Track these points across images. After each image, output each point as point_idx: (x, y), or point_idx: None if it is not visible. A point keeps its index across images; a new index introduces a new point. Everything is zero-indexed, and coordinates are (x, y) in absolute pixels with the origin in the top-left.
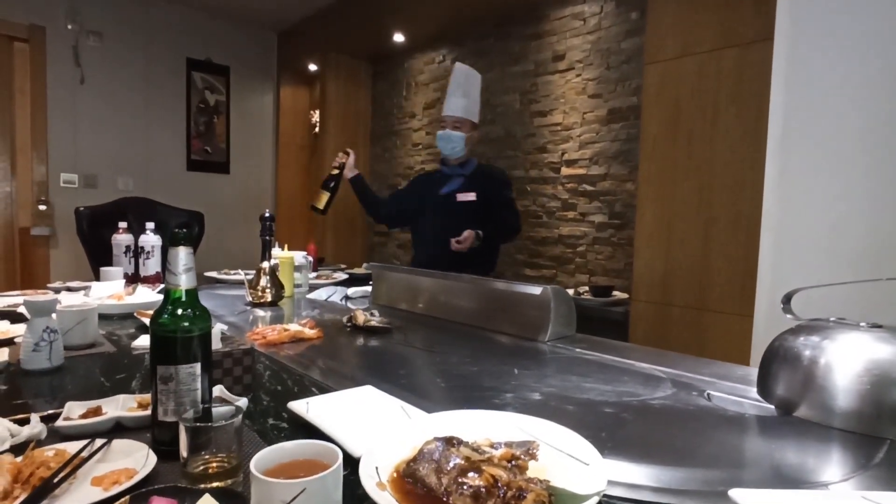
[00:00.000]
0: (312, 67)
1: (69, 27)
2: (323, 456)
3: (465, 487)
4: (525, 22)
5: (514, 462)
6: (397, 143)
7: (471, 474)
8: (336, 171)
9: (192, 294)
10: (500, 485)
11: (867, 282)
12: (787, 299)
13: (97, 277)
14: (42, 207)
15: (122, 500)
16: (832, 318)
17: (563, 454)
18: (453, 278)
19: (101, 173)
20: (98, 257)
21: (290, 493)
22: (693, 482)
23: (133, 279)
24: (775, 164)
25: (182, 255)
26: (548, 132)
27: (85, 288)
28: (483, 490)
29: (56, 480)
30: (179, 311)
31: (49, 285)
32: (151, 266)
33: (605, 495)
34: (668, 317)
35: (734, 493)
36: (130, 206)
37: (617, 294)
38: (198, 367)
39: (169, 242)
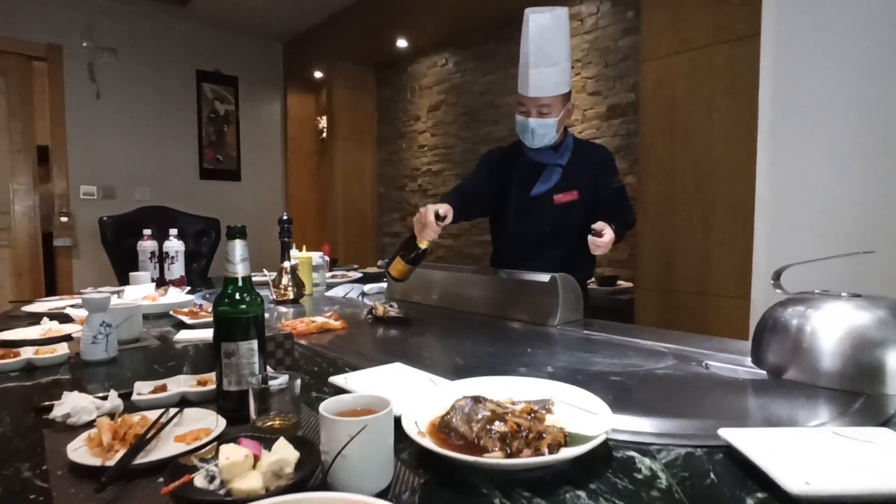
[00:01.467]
0: (318, 75)
1: (84, 45)
2: (376, 405)
3: (493, 432)
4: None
5: (532, 414)
6: (403, 146)
7: (497, 423)
8: (423, 248)
9: (247, 281)
10: (522, 429)
11: (843, 256)
12: (776, 276)
13: (121, 284)
14: (64, 219)
15: (210, 446)
16: (817, 291)
17: (574, 408)
18: (464, 271)
19: (119, 184)
20: (122, 264)
21: (354, 429)
22: (690, 429)
23: (159, 283)
24: (766, 154)
25: (238, 247)
26: None
27: (118, 292)
28: (508, 434)
29: (148, 437)
30: (237, 296)
31: (82, 291)
32: (176, 270)
33: (612, 439)
34: (671, 303)
35: (723, 431)
36: (151, 215)
37: (622, 283)
38: (255, 343)
39: (227, 237)
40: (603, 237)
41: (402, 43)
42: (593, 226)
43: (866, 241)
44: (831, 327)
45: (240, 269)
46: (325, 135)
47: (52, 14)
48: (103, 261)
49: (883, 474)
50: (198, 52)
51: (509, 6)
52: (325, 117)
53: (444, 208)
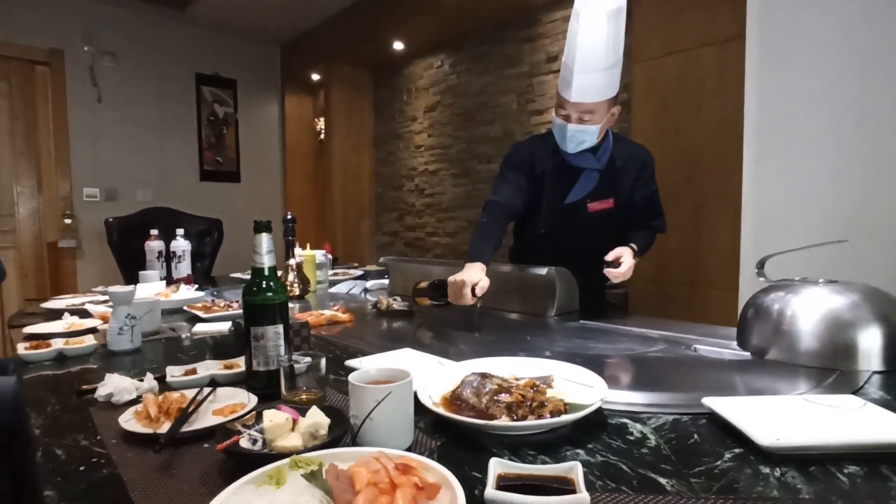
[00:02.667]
0: (315, 77)
1: (85, 49)
2: (397, 377)
3: (500, 402)
4: (519, 26)
5: (535, 388)
6: (400, 147)
7: (503, 394)
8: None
9: (273, 271)
10: (526, 399)
11: (819, 245)
12: (760, 265)
13: (128, 283)
14: (67, 221)
15: (251, 414)
16: (797, 278)
17: (572, 383)
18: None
19: (121, 186)
20: (128, 265)
21: (381, 395)
22: (677, 400)
23: (168, 281)
24: (752, 151)
25: (265, 240)
26: (544, 129)
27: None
28: (514, 403)
29: (190, 410)
30: (264, 284)
31: (95, 289)
32: (183, 269)
33: (607, 409)
34: (664, 295)
35: (706, 400)
36: (155, 216)
37: None
38: (280, 327)
39: (253, 231)
40: (620, 268)
41: (398, 45)
42: (607, 257)
43: (844, 232)
44: (809, 310)
45: (266, 260)
46: (322, 136)
47: (53, 19)
48: (106, 261)
49: (843, 431)
50: (197, 56)
51: (503, 9)
52: (322, 119)
53: (481, 286)
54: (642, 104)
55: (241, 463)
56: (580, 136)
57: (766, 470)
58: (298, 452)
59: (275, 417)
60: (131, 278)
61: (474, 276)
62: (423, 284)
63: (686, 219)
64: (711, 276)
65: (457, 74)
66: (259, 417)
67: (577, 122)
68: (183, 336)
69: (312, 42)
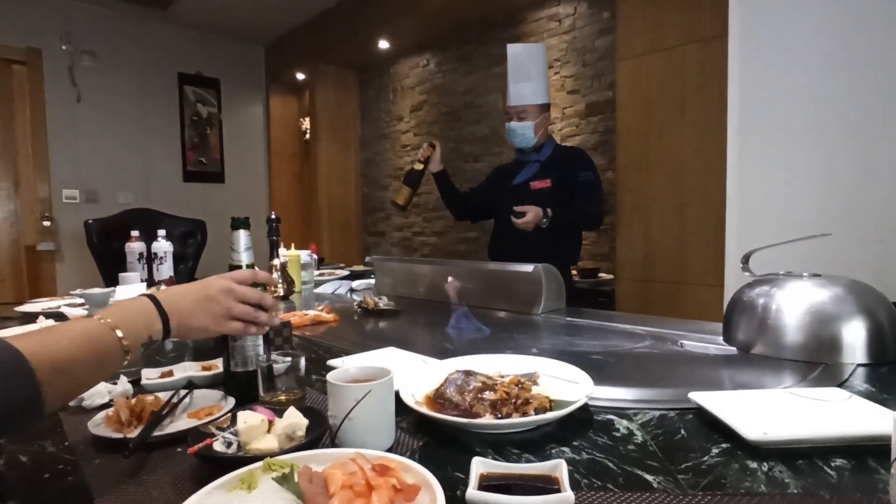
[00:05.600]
0: (300, 77)
1: (64, 48)
2: (377, 375)
3: (484, 400)
4: (505, 25)
5: (520, 385)
6: (386, 146)
7: (487, 392)
8: (420, 167)
9: (251, 268)
10: (511, 396)
11: (802, 239)
12: (745, 259)
13: (108, 286)
14: (46, 223)
15: (226, 416)
16: (781, 272)
17: (558, 379)
18: (450, 264)
19: (102, 188)
20: (108, 267)
21: (360, 393)
22: (664, 396)
23: (148, 283)
24: (735, 148)
25: (243, 236)
26: None
27: (109, 292)
28: (498, 401)
29: (163, 413)
30: None
31: (73, 292)
32: (165, 270)
33: (593, 406)
34: (650, 292)
35: (693, 395)
36: (136, 218)
37: (603, 275)
38: None
39: (231, 227)
40: (526, 216)
41: (383, 44)
42: (517, 208)
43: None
44: (794, 304)
45: (244, 258)
46: (308, 136)
47: (30, 17)
48: (86, 264)
49: (830, 424)
50: (179, 55)
51: (488, 9)
52: (308, 119)
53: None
54: (627, 102)
55: (214, 467)
56: (520, 131)
57: (754, 465)
58: (273, 455)
59: (249, 419)
60: (112, 281)
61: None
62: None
63: (670, 216)
64: (696, 272)
65: (443, 74)
66: (234, 419)
67: (517, 120)
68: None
69: (297, 41)
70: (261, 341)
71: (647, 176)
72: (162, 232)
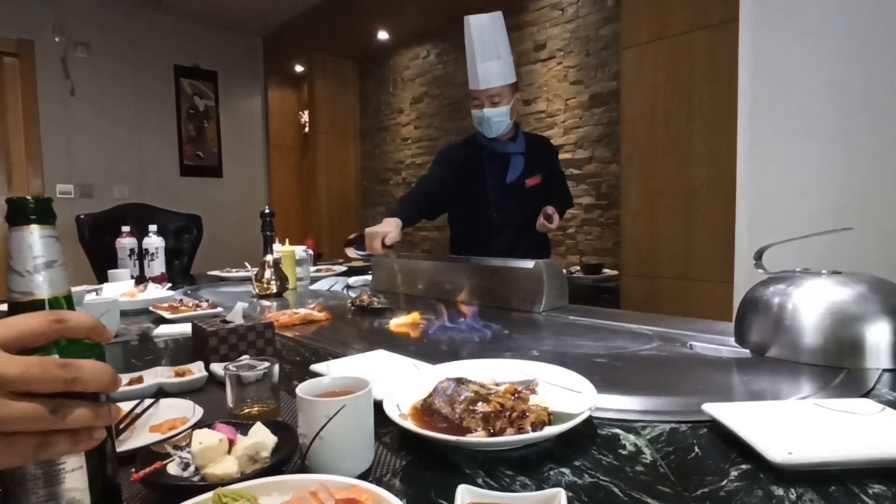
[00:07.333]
0: (299, 69)
1: (56, 40)
2: (355, 386)
3: (476, 413)
4: (506, 14)
5: (516, 395)
6: (386, 139)
7: (480, 404)
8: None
9: (58, 305)
10: (505, 409)
11: (822, 234)
12: (758, 255)
13: (100, 282)
14: None
15: (185, 433)
16: (798, 270)
17: (558, 388)
18: (448, 259)
19: (97, 182)
20: (100, 263)
21: (332, 409)
22: (674, 406)
23: (139, 280)
24: (746, 137)
25: (37, 240)
26: (533, 119)
27: (96, 290)
28: (492, 414)
29: (121, 427)
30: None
31: None
32: (156, 267)
33: (597, 417)
34: (656, 289)
35: (706, 406)
36: (130, 213)
37: (607, 271)
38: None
39: (7, 222)
40: (552, 223)
41: (383, 35)
42: (546, 209)
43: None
44: (812, 304)
45: (43, 286)
46: (307, 129)
47: (22, 8)
48: (80, 260)
49: (864, 443)
50: (175, 47)
51: None
52: (307, 111)
53: (391, 237)
54: (632, 91)
55: (163, 495)
56: (496, 118)
57: (780, 491)
58: (229, 482)
59: (205, 439)
60: (104, 277)
61: (386, 228)
62: (351, 237)
63: (677, 209)
64: (704, 268)
65: (443, 64)
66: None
67: (491, 106)
68: (134, 340)
69: (296, 32)
70: (83, 462)
71: (652, 167)
72: (153, 228)
